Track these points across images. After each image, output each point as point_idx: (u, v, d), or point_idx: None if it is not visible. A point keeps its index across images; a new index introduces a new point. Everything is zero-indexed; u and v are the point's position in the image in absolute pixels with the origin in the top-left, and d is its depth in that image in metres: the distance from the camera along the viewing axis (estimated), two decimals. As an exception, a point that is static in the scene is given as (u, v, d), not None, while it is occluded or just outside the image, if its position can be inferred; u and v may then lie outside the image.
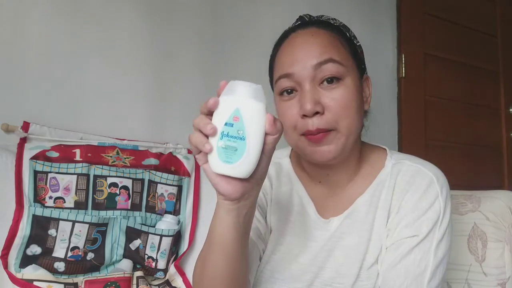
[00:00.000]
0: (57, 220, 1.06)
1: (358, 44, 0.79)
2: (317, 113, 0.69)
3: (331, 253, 0.75)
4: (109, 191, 1.15)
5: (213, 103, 0.54)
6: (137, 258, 1.15)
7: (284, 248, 0.78)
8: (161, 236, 1.16)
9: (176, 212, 1.24)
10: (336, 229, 0.76)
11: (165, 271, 1.17)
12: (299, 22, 0.80)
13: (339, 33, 0.76)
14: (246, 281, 0.71)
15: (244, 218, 0.61)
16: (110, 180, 1.15)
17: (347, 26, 0.80)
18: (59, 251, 1.05)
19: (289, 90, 0.72)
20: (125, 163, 1.21)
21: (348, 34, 0.77)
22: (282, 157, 0.87)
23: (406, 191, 0.73)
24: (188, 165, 1.29)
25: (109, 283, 1.05)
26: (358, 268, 0.73)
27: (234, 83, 0.54)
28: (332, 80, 0.70)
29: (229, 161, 0.53)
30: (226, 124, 0.53)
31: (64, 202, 1.09)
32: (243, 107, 0.53)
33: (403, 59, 1.96)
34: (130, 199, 1.17)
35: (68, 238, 1.06)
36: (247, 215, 0.62)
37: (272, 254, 0.79)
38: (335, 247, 0.75)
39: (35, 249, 1.03)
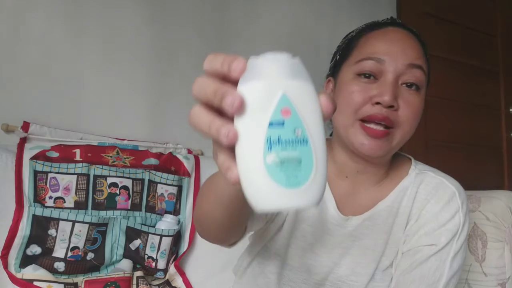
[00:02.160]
0: (57, 220, 1.06)
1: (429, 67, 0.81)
2: (391, 107, 0.69)
3: (348, 251, 0.76)
4: (109, 191, 1.15)
5: (242, 68, 0.34)
6: (137, 258, 1.15)
7: (299, 235, 0.78)
8: (161, 236, 1.16)
9: (176, 212, 1.24)
10: (355, 229, 0.77)
11: (165, 271, 1.17)
12: (390, 21, 0.80)
13: (424, 49, 0.77)
14: (241, 227, 0.67)
15: None
16: (110, 180, 1.15)
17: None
18: (59, 251, 1.05)
19: (368, 75, 0.72)
20: (125, 163, 1.21)
21: (427, 54, 0.79)
22: None
23: (428, 201, 0.75)
24: (188, 165, 1.29)
25: (109, 283, 1.05)
26: (373, 269, 0.74)
27: (259, 60, 0.35)
28: (412, 85, 0.72)
29: (294, 183, 0.33)
30: (271, 124, 0.33)
31: (64, 202, 1.09)
32: (291, 91, 0.34)
33: (403, 59, 1.96)
34: (130, 199, 1.17)
35: (68, 238, 1.06)
36: None
37: (289, 240, 0.79)
38: (353, 246, 0.76)
39: (35, 249, 1.03)
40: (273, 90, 0.33)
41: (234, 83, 0.35)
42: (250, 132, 0.33)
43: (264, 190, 0.33)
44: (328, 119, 0.37)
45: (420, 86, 0.72)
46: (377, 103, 0.69)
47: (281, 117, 0.33)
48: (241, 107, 0.33)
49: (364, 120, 0.70)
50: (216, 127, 0.34)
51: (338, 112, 0.74)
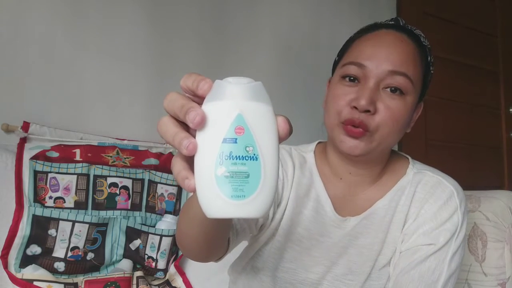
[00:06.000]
0: (57, 220, 1.06)
1: (432, 71, 0.79)
2: (367, 111, 0.70)
3: (345, 251, 0.76)
4: (109, 191, 1.15)
5: (208, 87, 0.38)
6: (137, 258, 1.15)
7: (294, 239, 0.78)
8: (161, 236, 1.16)
9: (176, 212, 1.24)
10: (353, 228, 0.77)
11: (165, 271, 1.17)
12: (392, 23, 0.78)
13: (423, 52, 0.76)
14: (221, 243, 0.69)
15: None
16: (110, 180, 1.15)
17: (431, 49, 0.79)
18: (59, 251, 1.05)
19: (352, 78, 0.73)
20: (125, 163, 1.21)
21: (429, 58, 0.78)
22: (306, 152, 0.86)
23: (426, 200, 0.75)
24: (188, 165, 1.29)
25: (109, 283, 1.05)
26: (370, 268, 0.74)
27: (223, 82, 0.38)
28: (395, 90, 0.71)
29: (240, 195, 0.36)
30: (224, 140, 0.36)
31: (64, 202, 1.09)
32: (247, 112, 0.37)
33: (403, 59, 1.96)
34: (130, 199, 1.17)
35: (68, 238, 1.06)
36: None
37: (285, 244, 0.79)
38: (350, 245, 0.76)
39: (35, 249, 1.03)
40: (230, 109, 0.37)
41: (202, 100, 0.39)
42: (206, 146, 0.37)
43: (212, 199, 0.37)
44: (286, 139, 0.40)
45: (405, 92, 0.72)
46: (355, 107, 0.70)
47: (235, 134, 0.36)
48: (201, 123, 0.37)
49: (344, 123, 0.72)
50: (179, 139, 0.37)
51: (326, 114, 0.76)
